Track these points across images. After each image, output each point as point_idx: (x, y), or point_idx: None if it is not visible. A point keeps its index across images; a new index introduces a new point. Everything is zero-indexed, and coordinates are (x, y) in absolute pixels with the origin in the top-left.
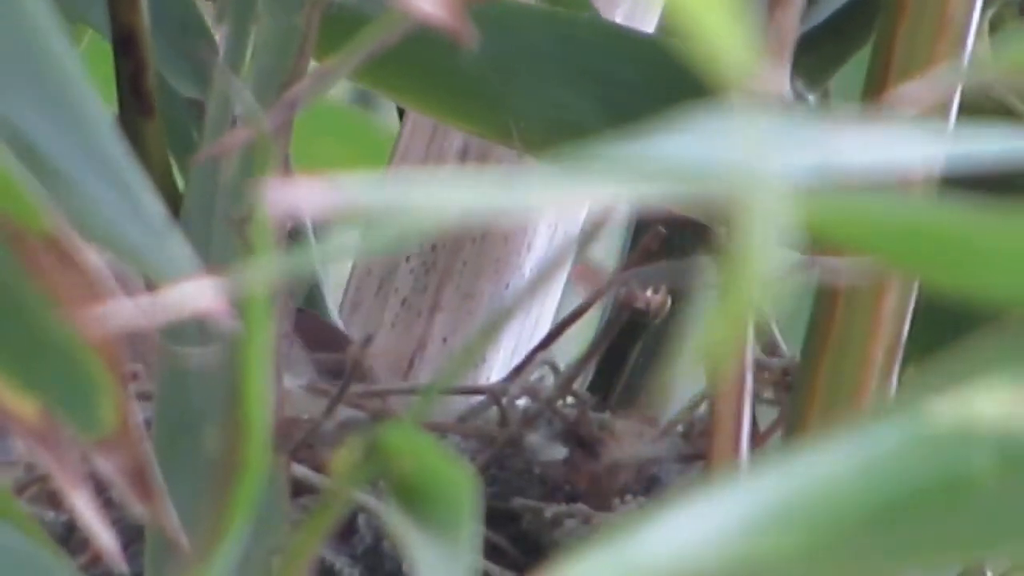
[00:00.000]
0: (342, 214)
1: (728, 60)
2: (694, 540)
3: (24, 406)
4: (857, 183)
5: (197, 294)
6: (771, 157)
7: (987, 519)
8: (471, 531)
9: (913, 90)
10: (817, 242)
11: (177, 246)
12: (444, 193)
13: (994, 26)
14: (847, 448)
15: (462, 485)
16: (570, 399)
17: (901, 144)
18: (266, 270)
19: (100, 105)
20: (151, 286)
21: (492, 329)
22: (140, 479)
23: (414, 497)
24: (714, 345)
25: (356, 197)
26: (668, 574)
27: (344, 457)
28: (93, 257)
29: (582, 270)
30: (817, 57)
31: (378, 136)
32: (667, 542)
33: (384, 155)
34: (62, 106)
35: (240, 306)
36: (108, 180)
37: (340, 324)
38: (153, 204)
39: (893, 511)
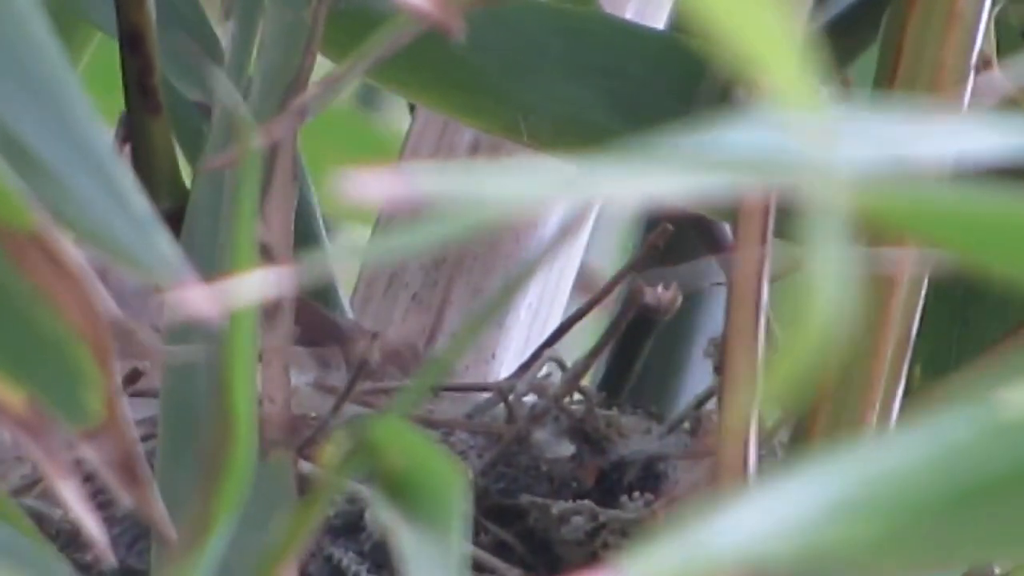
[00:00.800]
0: (415, 204)
1: (769, 60)
2: (766, 528)
3: (12, 397)
4: (921, 174)
5: (196, 299)
6: (837, 149)
7: None
8: (461, 526)
9: (990, 81)
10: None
11: (164, 243)
12: (513, 183)
13: (999, 22)
14: (921, 437)
15: (452, 480)
16: (577, 396)
17: (964, 136)
18: (278, 276)
19: (88, 102)
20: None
21: (489, 314)
22: (128, 469)
23: (404, 492)
24: (790, 372)
25: (430, 187)
26: (740, 562)
27: (331, 452)
28: (76, 254)
29: (583, 282)
30: (830, 52)
31: (383, 138)
32: (739, 530)
33: (389, 157)
34: (49, 102)
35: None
36: (95, 177)
37: (351, 318)
38: (140, 201)
39: (968, 500)
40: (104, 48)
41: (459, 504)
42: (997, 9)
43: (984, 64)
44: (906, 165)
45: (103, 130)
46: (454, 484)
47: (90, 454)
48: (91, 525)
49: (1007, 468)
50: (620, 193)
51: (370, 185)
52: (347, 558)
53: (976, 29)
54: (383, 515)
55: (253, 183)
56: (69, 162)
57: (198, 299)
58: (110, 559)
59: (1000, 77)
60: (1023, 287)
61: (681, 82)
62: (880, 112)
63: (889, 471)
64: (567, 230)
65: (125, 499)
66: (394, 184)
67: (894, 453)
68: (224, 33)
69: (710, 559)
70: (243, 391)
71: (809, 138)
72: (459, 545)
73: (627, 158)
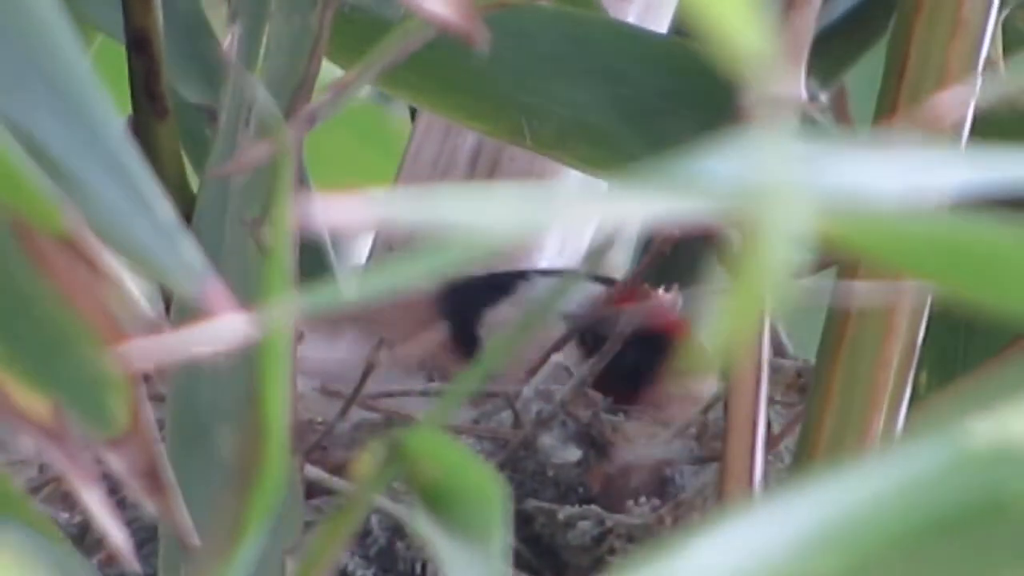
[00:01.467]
0: (378, 228)
1: (746, 56)
2: (738, 562)
3: (36, 404)
4: (881, 206)
5: (226, 330)
6: (798, 173)
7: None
8: (502, 536)
9: (937, 107)
10: (840, 262)
11: (187, 249)
12: (482, 209)
13: (1005, 26)
14: (886, 469)
15: (491, 490)
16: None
17: (923, 169)
18: (293, 303)
19: (111, 108)
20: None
21: (511, 341)
22: (151, 476)
23: (442, 502)
24: (724, 339)
25: (394, 213)
26: None
27: (366, 461)
28: (109, 257)
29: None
30: (829, 57)
31: (392, 130)
32: (711, 563)
33: (397, 149)
34: (73, 110)
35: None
36: (119, 184)
37: None
38: (164, 208)
39: (934, 532)
40: (108, 52)
41: (499, 514)
42: (1004, 14)
43: (990, 68)
44: (871, 195)
45: (125, 136)
46: (493, 495)
47: (114, 461)
48: (114, 531)
49: (973, 501)
50: (602, 217)
51: (336, 211)
52: (353, 563)
53: (983, 34)
54: (421, 526)
55: (287, 182)
56: (93, 169)
57: (231, 331)
58: (135, 566)
59: (963, 93)
60: (992, 312)
61: (683, 85)
62: (849, 142)
63: (856, 504)
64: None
65: (149, 506)
66: (359, 210)
67: (862, 486)
68: (230, 37)
69: None
70: (276, 401)
71: (778, 166)
72: (500, 555)
73: (607, 183)
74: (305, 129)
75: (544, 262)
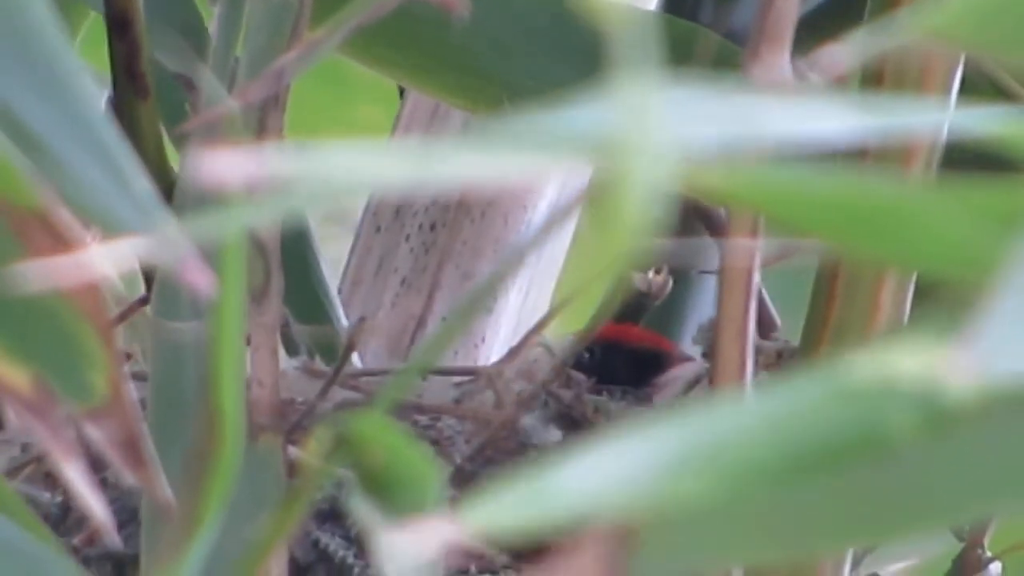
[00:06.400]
0: (266, 183)
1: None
2: (608, 480)
3: (17, 377)
4: (779, 153)
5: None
6: (663, 126)
7: (907, 485)
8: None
9: (827, 56)
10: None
11: (166, 224)
12: (365, 163)
13: None
14: (765, 399)
15: (430, 476)
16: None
17: (821, 116)
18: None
19: (91, 85)
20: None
21: (479, 299)
22: (132, 448)
23: (384, 486)
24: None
25: (280, 166)
26: (580, 511)
27: (314, 448)
28: (80, 231)
29: None
30: (818, 38)
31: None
32: (581, 480)
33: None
34: (52, 86)
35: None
36: (98, 159)
37: (339, 304)
38: (142, 183)
39: (807, 463)
40: (90, 33)
41: (435, 499)
42: None
43: None
44: (748, 144)
45: (105, 113)
46: (432, 479)
47: (94, 432)
48: (96, 506)
49: (850, 433)
50: (466, 172)
51: (223, 165)
52: (333, 543)
53: None
54: (361, 508)
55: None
56: (72, 145)
57: (194, 277)
58: (116, 541)
59: (841, 51)
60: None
61: (670, 63)
62: (727, 90)
63: (730, 430)
64: (557, 215)
65: (129, 478)
66: (247, 163)
67: (738, 413)
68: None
69: (547, 509)
70: (230, 385)
71: (635, 117)
72: None
73: (476, 138)
74: (274, 89)
75: (534, 221)
